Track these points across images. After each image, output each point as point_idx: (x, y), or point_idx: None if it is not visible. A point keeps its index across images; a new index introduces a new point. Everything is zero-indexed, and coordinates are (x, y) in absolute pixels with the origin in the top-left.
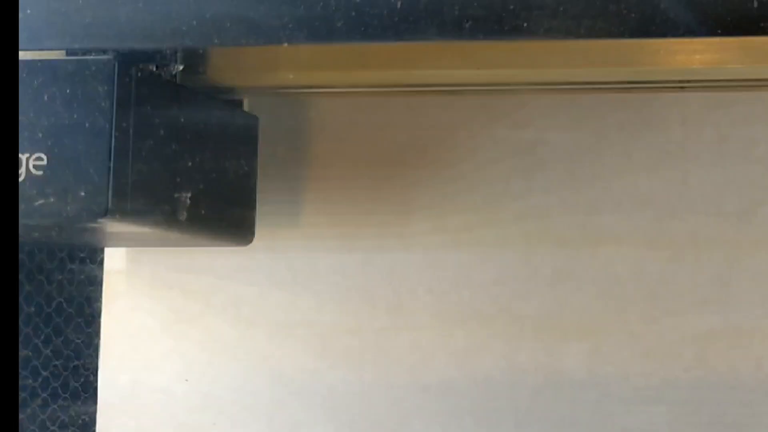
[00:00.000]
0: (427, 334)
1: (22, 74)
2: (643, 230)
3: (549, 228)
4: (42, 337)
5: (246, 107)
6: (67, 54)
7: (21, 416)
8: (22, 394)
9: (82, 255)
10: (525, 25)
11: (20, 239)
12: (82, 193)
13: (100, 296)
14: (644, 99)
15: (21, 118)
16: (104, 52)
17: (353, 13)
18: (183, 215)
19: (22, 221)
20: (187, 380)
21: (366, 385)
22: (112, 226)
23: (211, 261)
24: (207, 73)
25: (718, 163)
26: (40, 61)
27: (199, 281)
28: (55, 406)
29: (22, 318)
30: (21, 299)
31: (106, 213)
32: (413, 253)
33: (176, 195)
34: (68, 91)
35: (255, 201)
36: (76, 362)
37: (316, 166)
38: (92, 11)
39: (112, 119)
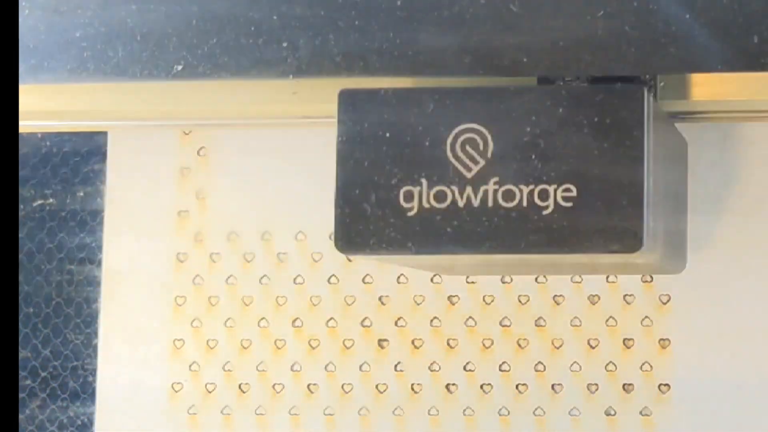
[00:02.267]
0: None
1: (546, 102)
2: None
3: None
4: (41, 338)
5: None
6: (540, 82)
7: (20, 417)
8: (20, 395)
9: (81, 255)
10: None
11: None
12: (615, 226)
13: (99, 297)
14: None
15: (545, 147)
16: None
17: None
18: (667, 242)
19: (547, 255)
20: (186, 380)
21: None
22: (632, 258)
23: (212, 261)
24: (684, 96)
25: (718, 163)
26: (563, 87)
27: (198, 281)
28: (54, 407)
29: (21, 318)
30: (20, 300)
31: (641, 246)
32: None
33: (665, 223)
34: (596, 119)
35: (687, 228)
36: (74, 363)
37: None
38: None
39: (645, 149)
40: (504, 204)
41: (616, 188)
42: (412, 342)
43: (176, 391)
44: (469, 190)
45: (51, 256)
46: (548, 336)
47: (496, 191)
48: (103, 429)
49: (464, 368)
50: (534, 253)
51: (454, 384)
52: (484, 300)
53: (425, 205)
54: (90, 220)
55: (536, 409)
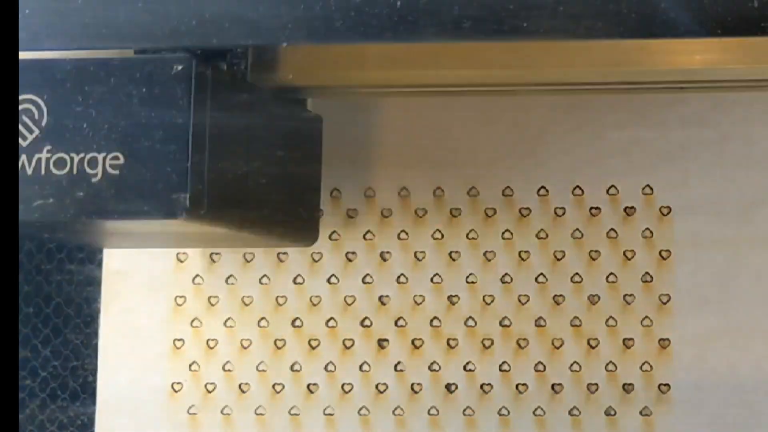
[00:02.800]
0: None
1: (99, 73)
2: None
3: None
4: (41, 338)
5: (309, 107)
6: (137, 53)
7: (20, 417)
8: (20, 395)
9: (80, 255)
10: (524, 25)
11: (89, 237)
12: (161, 193)
13: (99, 297)
14: (644, 99)
15: (96, 117)
16: (174, 50)
17: (352, 13)
18: (253, 216)
19: (96, 221)
20: (186, 380)
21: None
22: (188, 226)
23: (212, 261)
24: (275, 71)
25: (718, 163)
26: (115, 59)
27: (198, 281)
28: (54, 407)
29: (20, 318)
30: (20, 300)
31: (184, 212)
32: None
33: (247, 195)
34: (144, 89)
35: (319, 201)
36: (74, 363)
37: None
38: (92, 11)
39: (190, 118)
40: (56, 172)
41: (161, 156)
42: (412, 342)
43: (176, 391)
44: (23, 158)
45: (51, 256)
46: (548, 336)
47: (48, 159)
48: (103, 429)
49: (464, 368)
50: (84, 219)
51: (454, 384)
52: (484, 300)
53: None
54: None
55: (536, 409)
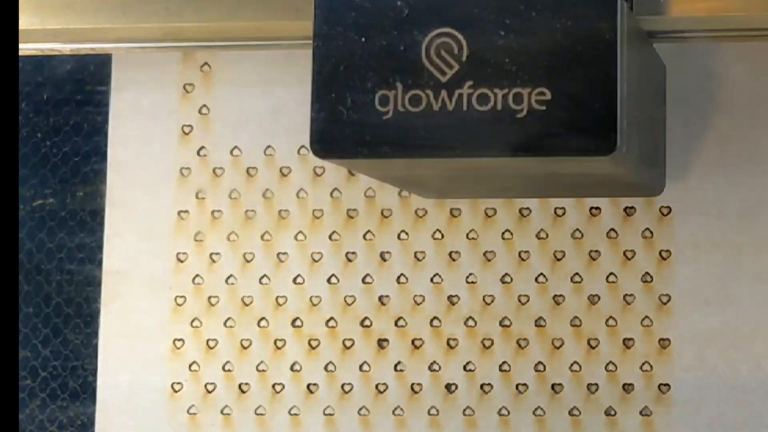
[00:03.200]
0: None
1: (520, 6)
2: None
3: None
4: (41, 338)
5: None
6: None
7: (20, 417)
8: (20, 395)
9: (81, 255)
10: None
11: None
12: (589, 129)
13: (99, 297)
14: None
15: (519, 51)
16: None
17: None
18: (641, 158)
19: (521, 158)
20: (186, 380)
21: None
22: (599, 166)
23: (212, 261)
24: (657, 11)
25: (719, 164)
26: None
27: (198, 281)
28: (54, 407)
29: (20, 318)
30: (20, 300)
31: (614, 150)
32: None
33: (639, 136)
34: (570, 23)
35: (665, 149)
36: (74, 363)
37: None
38: None
39: (616, 52)
40: (478, 107)
41: (590, 92)
42: (412, 342)
43: (176, 391)
44: (443, 94)
45: (51, 256)
46: (548, 336)
47: (470, 95)
48: (103, 429)
49: (464, 368)
50: (507, 156)
51: (454, 384)
52: (484, 300)
53: (400, 108)
54: (90, 220)
55: (536, 409)
